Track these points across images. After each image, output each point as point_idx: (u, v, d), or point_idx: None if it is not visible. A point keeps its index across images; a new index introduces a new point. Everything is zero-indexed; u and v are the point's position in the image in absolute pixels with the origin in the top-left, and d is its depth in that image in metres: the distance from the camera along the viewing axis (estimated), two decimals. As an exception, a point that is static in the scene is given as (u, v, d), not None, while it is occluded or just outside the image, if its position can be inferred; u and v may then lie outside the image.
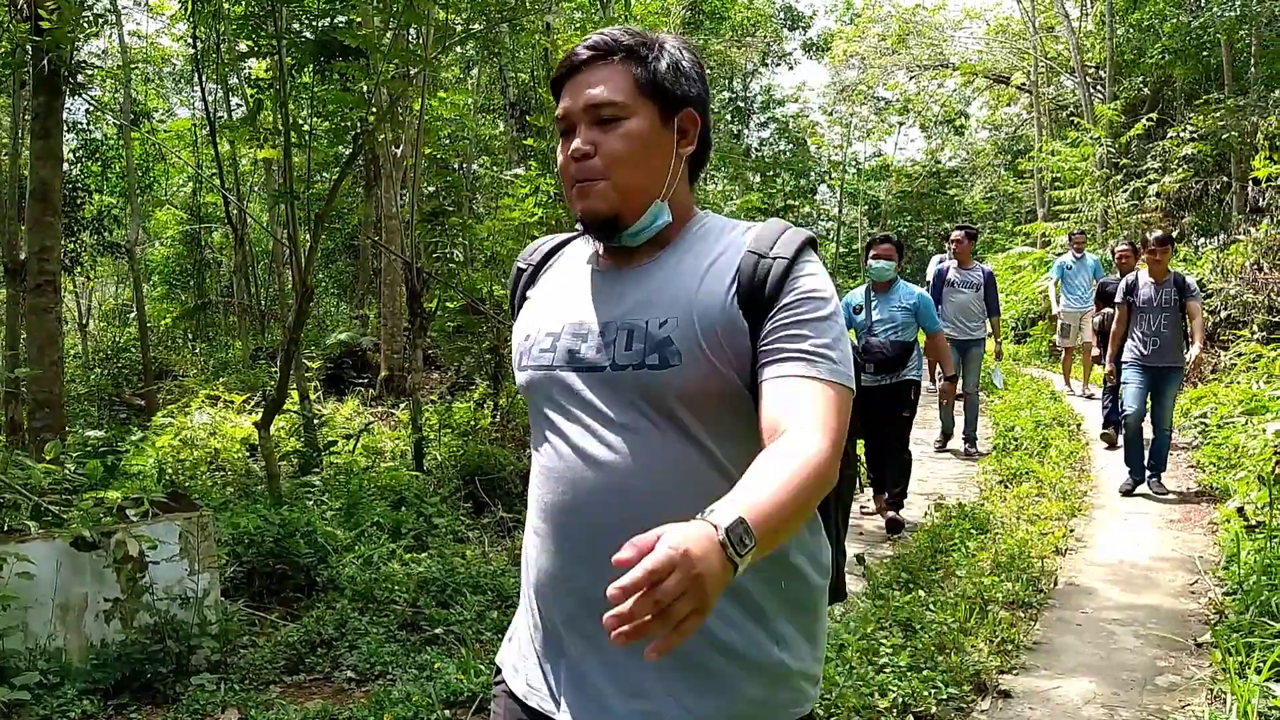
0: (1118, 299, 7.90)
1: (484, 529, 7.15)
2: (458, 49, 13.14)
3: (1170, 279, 7.66)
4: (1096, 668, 4.62)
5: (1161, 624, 5.16)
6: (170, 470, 7.72)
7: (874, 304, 7.41)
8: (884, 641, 4.64)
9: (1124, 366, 7.87)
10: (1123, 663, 4.70)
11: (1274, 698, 3.73)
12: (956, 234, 10.04)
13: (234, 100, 18.91)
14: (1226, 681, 4.07)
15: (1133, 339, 7.74)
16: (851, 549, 6.54)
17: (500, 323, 8.99)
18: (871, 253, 7.62)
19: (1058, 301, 12.48)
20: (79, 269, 15.56)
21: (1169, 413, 7.88)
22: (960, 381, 9.44)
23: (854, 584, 5.97)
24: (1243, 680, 3.91)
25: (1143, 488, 8.01)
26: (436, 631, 5.06)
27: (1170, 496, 7.87)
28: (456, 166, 13.01)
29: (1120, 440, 8.48)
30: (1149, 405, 7.78)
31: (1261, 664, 3.97)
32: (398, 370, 12.37)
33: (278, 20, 7.31)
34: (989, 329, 10.06)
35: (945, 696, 4.18)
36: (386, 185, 12.22)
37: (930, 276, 10.68)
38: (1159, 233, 7.86)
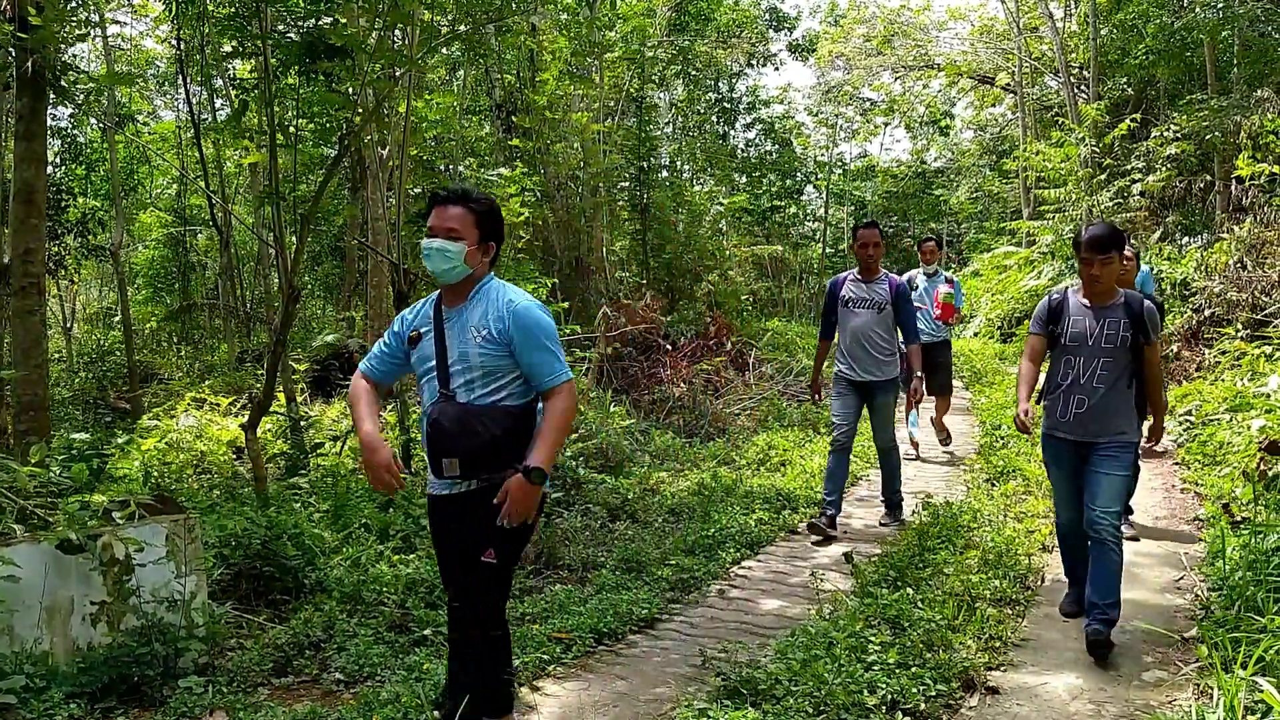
0: (1032, 327, 5.24)
1: (472, 530, 7.13)
2: (443, 50, 13.12)
3: (1120, 299, 4.92)
4: (1084, 663, 4.64)
5: (1148, 620, 5.18)
6: (156, 473, 7.69)
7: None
8: (872, 639, 4.66)
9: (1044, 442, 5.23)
10: (1110, 658, 4.72)
11: (1260, 691, 3.74)
12: (864, 232, 7.30)
13: (219, 102, 18.84)
14: (1213, 676, 4.09)
15: (1049, 393, 5.09)
16: (839, 548, 6.57)
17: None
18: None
19: None
20: (63, 272, 15.48)
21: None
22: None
23: (842, 582, 5.99)
24: (1229, 675, 3.93)
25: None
26: (425, 632, 5.05)
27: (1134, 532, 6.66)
28: (443, 168, 12.99)
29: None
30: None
31: (1248, 659, 3.99)
32: (385, 372, 12.31)
33: (262, 21, 7.28)
34: (904, 365, 7.73)
35: (934, 693, 4.20)
36: (372, 186, 12.19)
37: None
38: (1098, 229, 4.88)
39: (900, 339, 7.48)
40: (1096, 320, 4.89)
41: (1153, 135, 17.08)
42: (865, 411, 7.44)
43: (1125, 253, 6.48)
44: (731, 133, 33.66)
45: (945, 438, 10.23)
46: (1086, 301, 4.95)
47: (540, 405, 3.57)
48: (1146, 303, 4.86)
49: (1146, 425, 5.39)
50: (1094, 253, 4.78)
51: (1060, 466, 5.10)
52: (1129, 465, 4.88)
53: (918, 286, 9.57)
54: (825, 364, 7.78)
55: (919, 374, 7.63)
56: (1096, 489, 4.78)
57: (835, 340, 7.44)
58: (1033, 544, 6.42)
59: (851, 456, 7.85)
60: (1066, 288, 5.17)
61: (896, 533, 7.05)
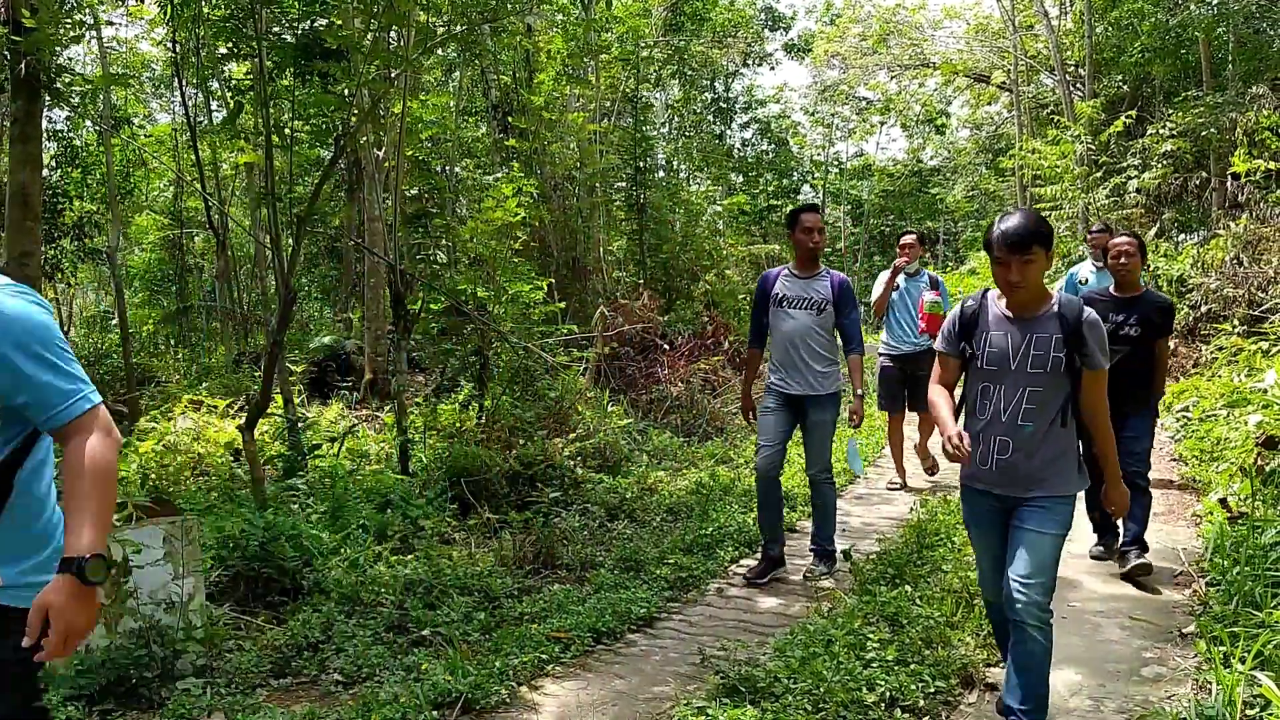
0: (939, 344, 4.05)
1: (470, 530, 7.14)
2: (439, 51, 13.12)
3: (1053, 308, 3.70)
4: (1082, 659, 4.64)
5: (1146, 615, 5.18)
6: (154, 476, 7.68)
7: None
8: (871, 636, 4.66)
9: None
10: (1108, 654, 4.72)
11: (1259, 686, 3.75)
12: (807, 216, 6.18)
13: (214, 105, 18.83)
14: (1212, 671, 4.10)
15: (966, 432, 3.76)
16: (837, 545, 6.56)
17: (484, 325, 8.97)
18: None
19: None
20: (59, 275, 15.46)
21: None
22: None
23: (841, 580, 5.99)
24: (1228, 670, 3.93)
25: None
26: (424, 633, 5.04)
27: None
28: (439, 169, 12.99)
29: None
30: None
31: (1246, 653, 4.00)
32: (382, 373, 12.33)
33: (257, 22, 7.28)
34: (845, 377, 6.36)
35: (933, 690, 4.20)
36: (369, 188, 12.19)
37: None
38: (1015, 220, 3.62)
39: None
40: (1021, 336, 3.66)
41: (1148, 132, 17.09)
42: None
43: (1121, 242, 5.92)
44: (728, 132, 33.70)
45: (931, 465, 8.91)
46: (1009, 312, 3.73)
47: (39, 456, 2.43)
48: (1087, 312, 3.62)
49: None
50: (1011, 252, 3.54)
51: (981, 526, 3.91)
52: (1063, 523, 3.70)
53: (898, 287, 8.39)
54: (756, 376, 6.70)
55: (860, 392, 6.08)
56: (1016, 552, 3.66)
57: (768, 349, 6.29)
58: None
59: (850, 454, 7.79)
60: (985, 291, 3.87)
61: (829, 585, 5.97)
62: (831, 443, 6.22)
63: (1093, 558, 6.25)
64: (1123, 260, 5.89)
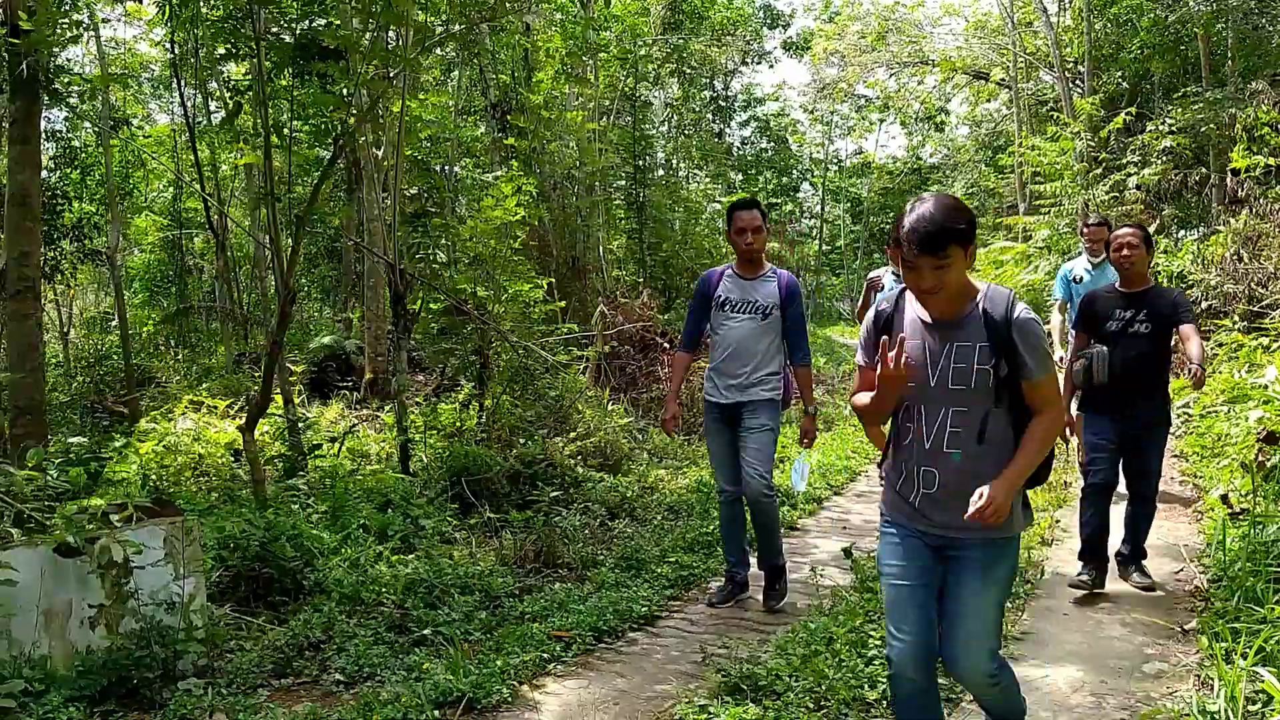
0: (859, 355, 3.39)
1: (471, 530, 7.13)
2: (438, 50, 13.11)
3: (977, 308, 3.05)
4: (1084, 656, 4.64)
5: (1148, 612, 5.18)
6: (154, 476, 7.67)
7: None
8: (872, 634, 4.66)
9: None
10: (1110, 650, 4.72)
11: (1261, 682, 3.74)
12: (742, 214, 5.53)
13: (213, 105, 18.81)
14: (1214, 667, 4.10)
15: (887, 458, 3.39)
16: (838, 542, 6.56)
17: (484, 324, 8.97)
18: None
19: (1065, 344, 7.54)
20: (59, 277, 15.44)
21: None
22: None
23: (841, 577, 5.99)
24: (1230, 666, 3.93)
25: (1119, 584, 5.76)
26: (425, 632, 5.04)
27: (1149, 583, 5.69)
28: (438, 168, 12.98)
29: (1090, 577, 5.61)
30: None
31: (1248, 649, 3.99)
32: (382, 373, 12.33)
33: (256, 23, 7.27)
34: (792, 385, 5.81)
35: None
36: (368, 187, 12.17)
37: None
38: (925, 212, 2.91)
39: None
40: (940, 345, 3.01)
41: (1148, 129, 17.09)
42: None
43: (1124, 233, 5.60)
44: (727, 131, 33.71)
45: None
46: (926, 315, 3.06)
47: None
48: (1019, 310, 2.95)
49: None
50: (922, 252, 2.83)
51: (907, 563, 3.13)
52: (1005, 575, 3.10)
53: (882, 288, 7.56)
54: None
55: (811, 409, 5.62)
56: (952, 620, 3.08)
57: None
58: (1031, 537, 6.42)
59: (850, 451, 7.80)
60: (904, 290, 3.14)
61: (788, 609, 5.60)
62: (772, 453, 5.52)
63: (1070, 586, 5.56)
64: (1125, 253, 5.56)
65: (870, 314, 3.25)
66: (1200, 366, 5.44)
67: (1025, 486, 3.05)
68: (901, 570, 3.13)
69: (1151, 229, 16.03)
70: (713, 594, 5.78)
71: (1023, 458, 2.98)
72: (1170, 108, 17.18)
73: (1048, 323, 8.04)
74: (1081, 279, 7.66)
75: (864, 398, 3.14)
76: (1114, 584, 5.69)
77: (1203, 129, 16.05)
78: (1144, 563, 5.74)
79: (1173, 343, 5.64)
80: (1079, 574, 5.55)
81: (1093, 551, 5.58)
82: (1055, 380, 3.04)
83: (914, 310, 3.08)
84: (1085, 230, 7.80)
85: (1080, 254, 8.23)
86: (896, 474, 3.19)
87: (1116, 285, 5.72)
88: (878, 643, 4.54)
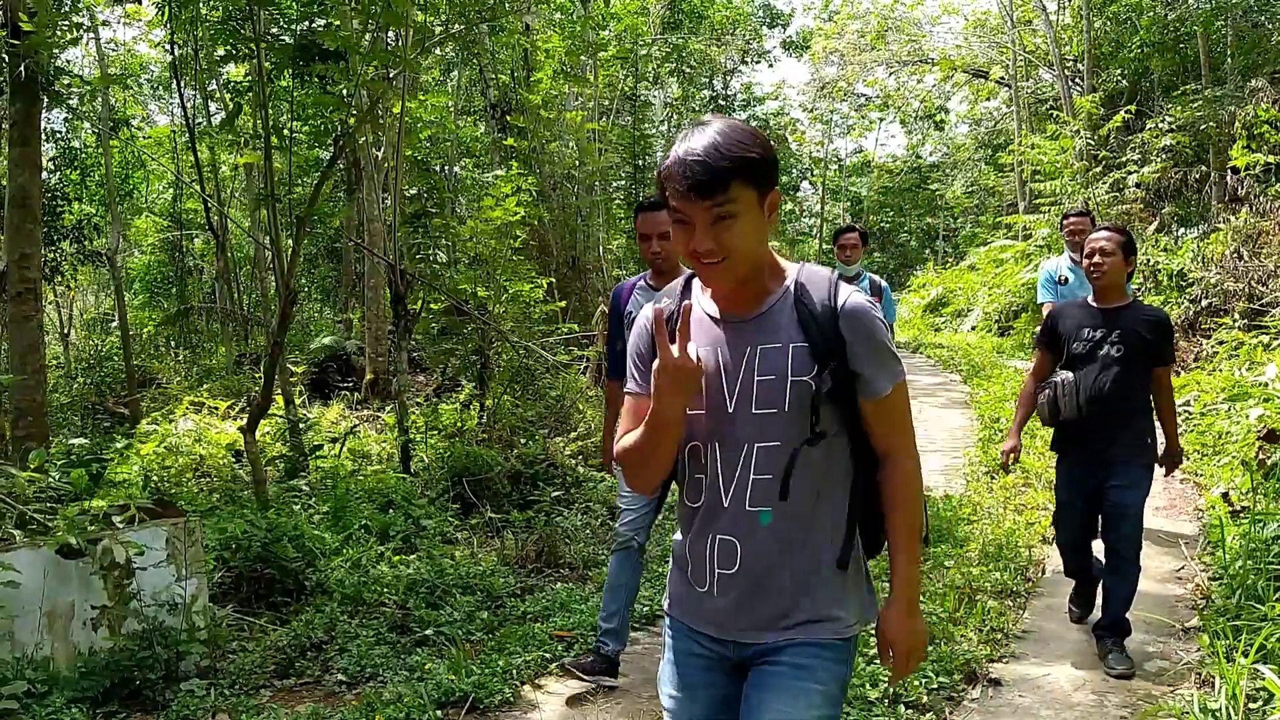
0: (628, 384, 2.26)
1: (472, 530, 7.14)
2: (437, 51, 13.11)
3: (787, 291, 2.11)
4: (1086, 654, 4.64)
5: (1149, 610, 5.18)
6: (156, 477, 7.68)
7: None
8: (873, 633, 4.65)
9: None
10: (1111, 649, 4.72)
11: (1262, 679, 3.75)
12: (646, 217, 4.48)
13: (213, 106, 18.81)
14: (1215, 665, 4.10)
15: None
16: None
17: (485, 324, 8.97)
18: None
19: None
20: (59, 278, 15.45)
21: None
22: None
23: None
24: (1231, 664, 3.93)
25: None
26: (426, 633, 5.05)
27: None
28: (438, 168, 12.98)
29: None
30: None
31: (1249, 647, 4.00)
32: (383, 373, 12.33)
33: (255, 24, 7.28)
34: None
35: (936, 686, 4.20)
36: (368, 188, 12.18)
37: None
38: (702, 137, 1.95)
39: None
40: (737, 352, 2.06)
41: (1148, 127, 17.07)
42: None
43: (1097, 238, 4.61)
44: (727, 130, 33.65)
45: None
46: (715, 309, 2.13)
47: None
48: (846, 295, 2.05)
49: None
50: (691, 196, 1.94)
51: (691, 691, 2.18)
52: (835, 696, 2.09)
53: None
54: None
55: None
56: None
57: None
58: (1033, 536, 6.43)
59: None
60: (691, 278, 2.21)
61: None
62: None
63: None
64: (1096, 259, 4.57)
65: (641, 316, 2.20)
66: (1178, 451, 4.69)
67: (866, 554, 2.19)
68: (683, 703, 2.18)
69: (1152, 227, 16.02)
70: (571, 663, 4.62)
71: (903, 559, 2.11)
72: (1170, 105, 17.17)
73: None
74: (1066, 280, 6.71)
75: (633, 438, 2.07)
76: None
77: (1202, 127, 16.03)
78: (1125, 641, 4.59)
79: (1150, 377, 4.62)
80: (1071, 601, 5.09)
81: (1082, 585, 5.04)
82: (906, 395, 2.10)
83: (702, 304, 2.12)
84: (1066, 223, 6.85)
85: (1064, 252, 7.09)
86: (684, 551, 2.16)
87: (1089, 298, 4.76)
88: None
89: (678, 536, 2.22)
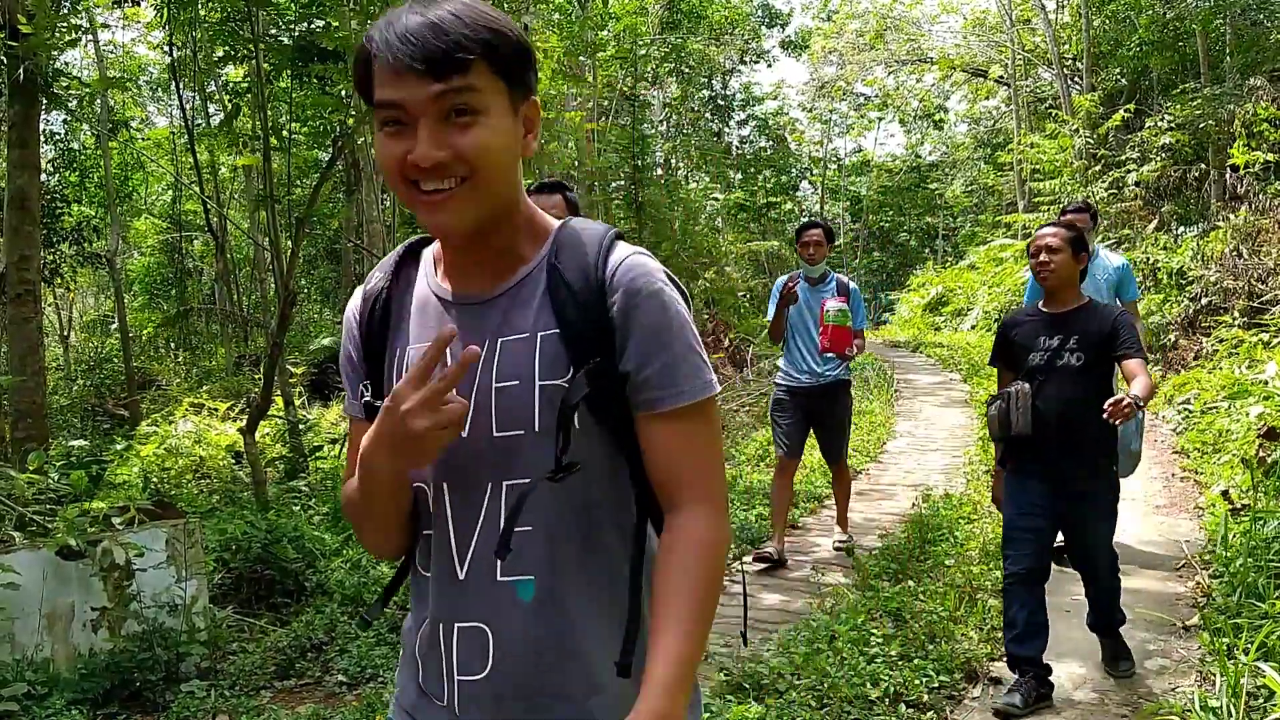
0: (345, 405, 1.72)
1: (473, 530, 7.13)
2: (436, 51, 13.10)
3: (539, 259, 1.44)
4: (1086, 652, 4.64)
5: (1150, 607, 5.18)
6: (155, 479, 7.68)
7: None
8: (874, 632, 4.66)
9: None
10: (1112, 647, 4.72)
11: (1263, 677, 3.74)
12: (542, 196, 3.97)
13: (212, 108, 18.82)
14: (1216, 663, 4.10)
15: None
16: (840, 539, 6.56)
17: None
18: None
19: None
20: (59, 280, 15.46)
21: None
22: None
23: (843, 576, 5.99)
24: (1231, 661, 3.93)
25: None
26: (427, 633, 5.04)
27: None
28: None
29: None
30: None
31: (1249, 644, 3.99)
32: (383, 374, 12.31)
33: (254, 25, 7.28)
34: None
35: (936, 684, 4.20)
36: (367, 189, 12.18)
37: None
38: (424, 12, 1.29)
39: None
40: (474, 345, 1.30)
41: (1147, 125, 17.07)
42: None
43: (1043, 234, 4.13)
44: (726, 130, 33.71)
45: (844, 541, 6.56)
46: (446, 287, 1.47)
47: None
48: (627, 264, 1.41)
49: None
50: (422, 68, 1.26)
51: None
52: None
53: (796, 299, 6.08)
54: None
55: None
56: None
57: None
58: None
59: (851, 449, 7.68)
60: (410, 250, 1.56)
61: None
62: None
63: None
64: (1042, 258, 4.10)
65: (353, 304, 1.54)
66: (1136, 399, 3.63)
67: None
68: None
69: (1151, 226, 16.02)
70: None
71: (672, 636, 1.29)
72: (1169, 104, 17.17)
73: None
74: None
75: (351, 484, 1.46)
76: (1115, 580, 5.70)
77: (1202, 125, 16.03)
78: (1126, 640, 4.45)
79: (1115, 381, 4.30)
80: (1004, 695, 4.06)
81: (1027, 662, 4.09)
82: (715, 420, 1.42)
83: (427, 282, 1.48)
84: (1063, 220, 5.83)
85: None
86: (413, 642, 1.52)
87: (1040, 304, 4.26)
88: (880, 640, 4.54)
89: (407, 622, 1.55)
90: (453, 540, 1.40)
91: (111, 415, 11.91)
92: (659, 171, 24.35)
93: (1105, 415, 3.54)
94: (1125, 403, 3.55)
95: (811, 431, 6.41)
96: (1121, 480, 4.91)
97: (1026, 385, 4.02)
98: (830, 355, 6.08)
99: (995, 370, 4.42)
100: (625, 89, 17.81)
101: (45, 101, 8.09)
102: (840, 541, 6.55)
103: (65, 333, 19.83)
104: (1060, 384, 4.00)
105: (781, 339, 6.30)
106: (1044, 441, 4.00)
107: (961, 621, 4.84)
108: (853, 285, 6.37)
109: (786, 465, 6.34)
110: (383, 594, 1.67)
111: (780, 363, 6.54)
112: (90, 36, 14.42)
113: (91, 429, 11.34)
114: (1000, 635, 4.71)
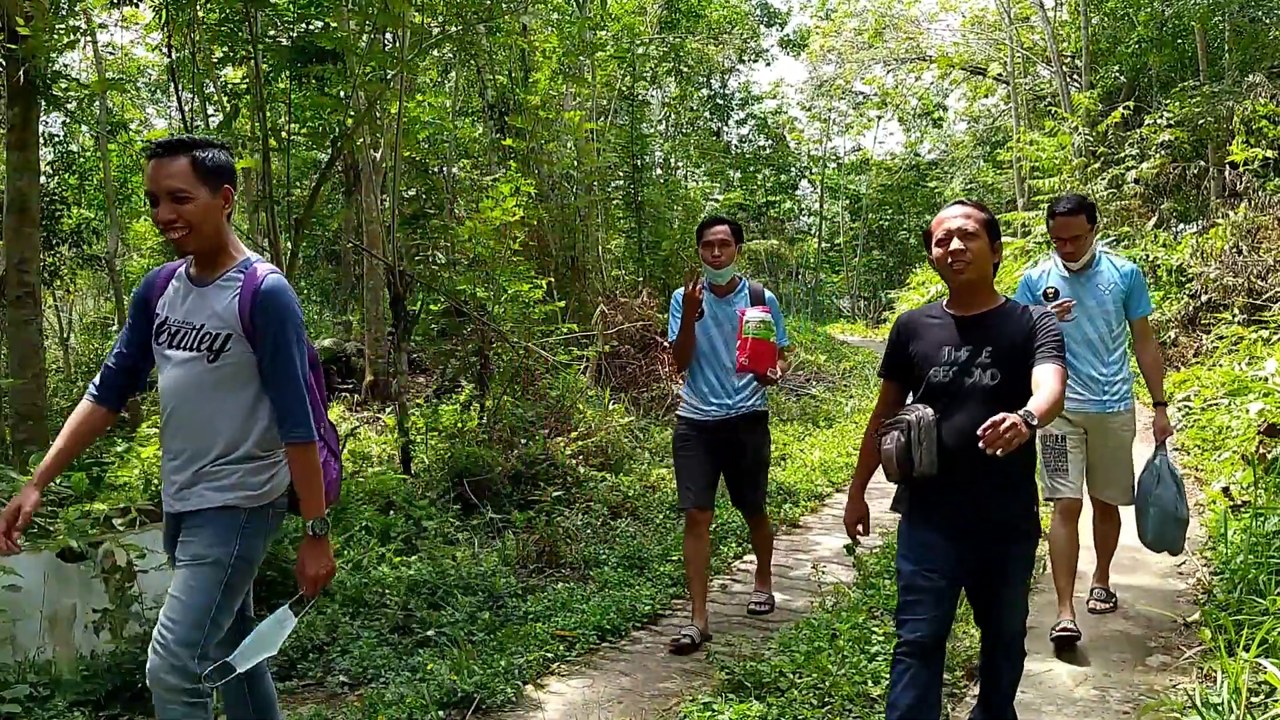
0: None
1: (473, 530, 7.13)
2: (435, 52, 13.11)
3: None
4: (1087, 649, 4.65)
5: (1150, 604, 5.19)
6: (157, 481, 7.67)
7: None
8: (875, 630, 4.67)
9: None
10: (1113, 643, 4.73)
11: (1264, 673, 3.75)
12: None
13: (211, 109, 18.84)
14: (1216, 659, 4.10)
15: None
16: (840, 539, 6.57)
17: (484, 325, 8.97)
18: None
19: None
20: (59, 282, 15.46)
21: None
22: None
23: (845, 574, 6.00)
24: (1232, 658, 3.93)
25: None
26: (428, 633, 5.04)
27: None
28: (437, 169, 12.99)
29: None
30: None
31: (1250, 641, 3.99)
32: (383, 375, 12.34)
33: (252, 26, 7.27)
34: None
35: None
36: (366, 190, 12.19)
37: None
38: None
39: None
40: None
41: (1146, 123, 17.09)
42: None
43: (951, 215, 3.29)
44: (725, 129, 33.72)
45: (763, 602, 5.51)
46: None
47: None
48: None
49: None
50: None
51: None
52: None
53: (702, 314, 5.10)
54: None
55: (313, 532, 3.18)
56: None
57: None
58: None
59: (851, 448, 7.66)
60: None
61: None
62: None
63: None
64: (955, 247, 3.21)
65: None
66: (1028, 416, 2.82)
67: None
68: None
69: (1150, 223, 16.03)
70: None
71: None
72: (1168, 101, 17.18)
73: None
74: (1055, 293, 4.88)
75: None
76: (1116, 576, 5.69)
77: (1201, 122, 16.05)
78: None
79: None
80: None
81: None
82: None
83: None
84: (1053, 224, 4.94)
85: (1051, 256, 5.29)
86: None
87: (944, 305, 3.38)
88: (881, 639, 4.55)
89: None
90: None
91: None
92: (658, 171, 24.36)
93: (981, 444, 2.76)
94: (1007, 425, 2.73)
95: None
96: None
97: (930, 412, 3.14)
98: (747, 379, 5.03)
99: None
100: (624, 89, 17.81)
101: (44, 104, 8.10)
102: (758, 603, 5.46)
103: (65, 335, 19.82)
104: (972, 410, 3.07)
105: (690, 363, 5.14)
106: (952, 485, 3.15)
107: (962, 620, 4.84)
108: (769, 294, 5.31)
109: (697, 519, 5.06)
110: None
111: (682, 391, 5.36)
112: (89, 38, 14.41)
113: (92, 431, 11.34)
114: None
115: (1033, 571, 3.40)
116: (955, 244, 3.20)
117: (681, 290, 4.98)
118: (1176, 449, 9.00)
